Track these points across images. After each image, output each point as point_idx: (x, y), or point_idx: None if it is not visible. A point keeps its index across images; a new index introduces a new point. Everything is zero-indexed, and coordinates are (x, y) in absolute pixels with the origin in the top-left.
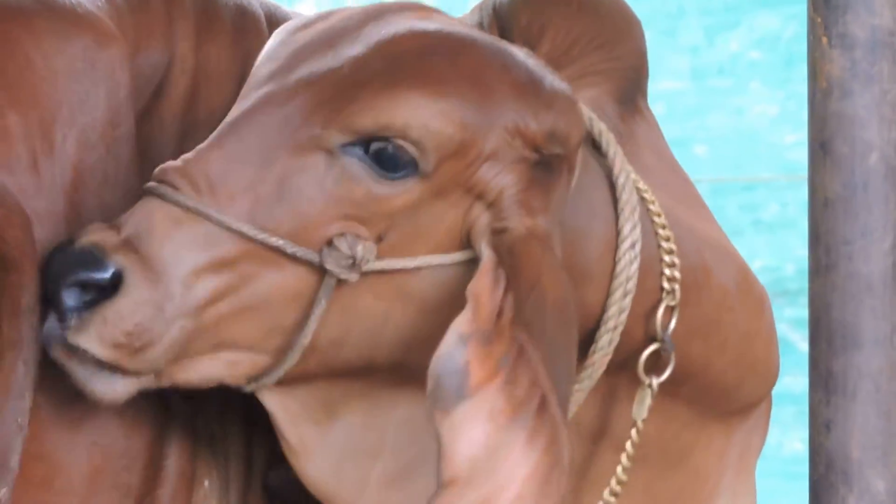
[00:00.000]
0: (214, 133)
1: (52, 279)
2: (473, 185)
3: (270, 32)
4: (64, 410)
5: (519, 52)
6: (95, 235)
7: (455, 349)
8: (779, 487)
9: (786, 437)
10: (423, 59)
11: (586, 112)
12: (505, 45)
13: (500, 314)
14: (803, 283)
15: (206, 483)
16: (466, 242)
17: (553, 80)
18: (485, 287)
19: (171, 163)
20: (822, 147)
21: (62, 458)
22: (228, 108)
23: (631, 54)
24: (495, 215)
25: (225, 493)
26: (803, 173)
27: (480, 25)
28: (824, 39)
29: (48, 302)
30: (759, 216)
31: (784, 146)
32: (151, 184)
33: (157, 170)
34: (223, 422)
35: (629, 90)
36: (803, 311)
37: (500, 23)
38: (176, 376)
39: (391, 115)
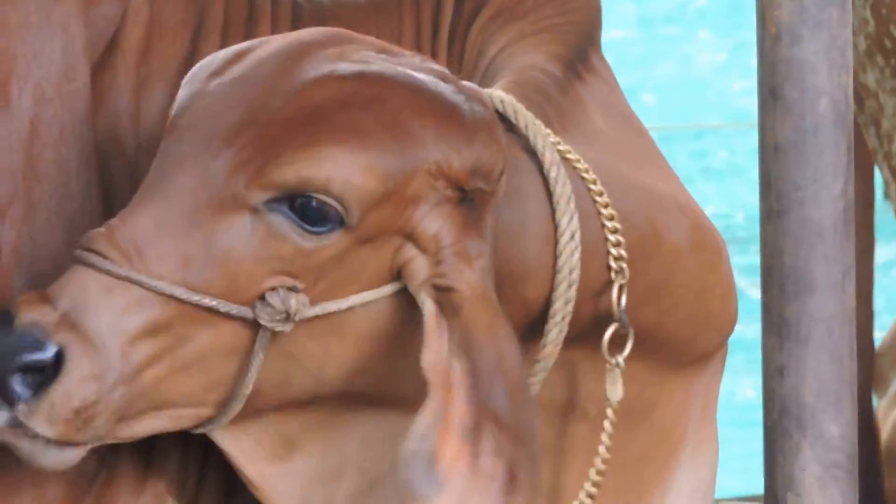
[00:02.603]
0: (137, 195)
1: None
2: (400, 227)
3: None
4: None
5: (437, 82)
6: (33, 313)
7: (423, 438)
8: (732, 435)
9: (738, 384)
10: (342, 111)
11: (515, 108)
12: (422, 77)
13: (456, 388)
14: (753, 231)
15: (166, 437)
16: (394, 275)
17: (473, 106)
18: (436, 355)
19: (97, 230)
20: (771, 93)
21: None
22: (181, 62)
23: (585, 6)
24: (434, 269)
25: (185, 443)
26: (752, 120)
27: None
28: None
29: None
30: (708, 164)
31: (732, 93)
32: (81, 252)
33: (84, 237)
34: (172, 449)
35: (581, 46)
36: (754, 258)
37: None
38: (120, 435)
39: (313, 171)
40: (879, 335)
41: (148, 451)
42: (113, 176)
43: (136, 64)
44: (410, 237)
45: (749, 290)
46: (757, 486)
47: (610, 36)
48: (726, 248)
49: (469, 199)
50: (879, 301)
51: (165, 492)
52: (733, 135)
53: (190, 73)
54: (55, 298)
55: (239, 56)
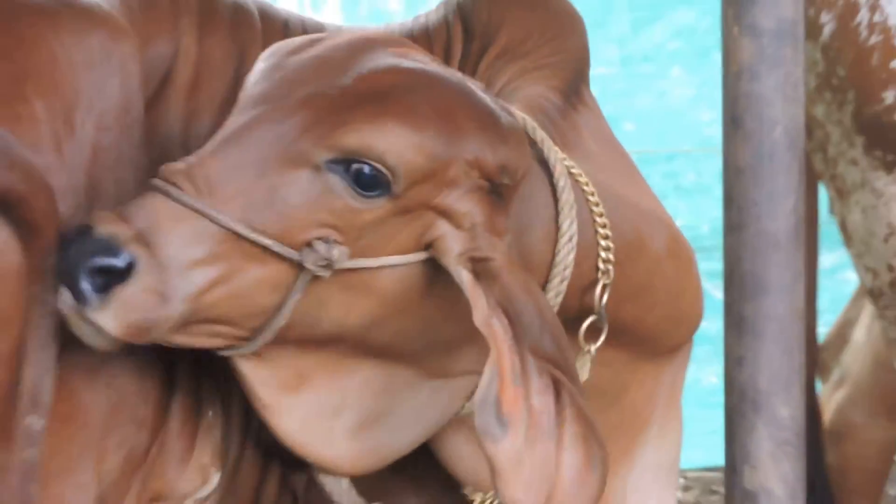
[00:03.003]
0: (215, 140)
1: (72, 262)
2: (435, 205)
3: (264, 28)
4: (83, 357)
5: (480, 91)
6: (111, 226)
7: (488, 388)
8: (697, 416)
9: (702, 372)
10: (405, 95)
11: (531, 125)
12: (469, 83)
13: (500, 341)
14: (717, 241)
15: (210, 413)
16: (422, 247)
17: (507, 117)
18: (484, 315)
19: (175, 164)
20: (734, 122)
21: (83, 398)
22: (226, 95)
23: (576, 48)
24: (470, 243)
25: (227, 422)
26: (717, 146)
27: (445, 20)
28: (735, 29)
29: (63, 279)
30: (679, 183)
31: (701, 123)
32: (160, 182)
33: (162, 168)
34: (224, 365)
35: (574, 81)
36: (717, 265)
37: (463, 18)
38: (170, 340)
39: (374, 140)
40: (824, 330)
41: (192, 429)
42: None
43: (186, 97)
44: (444, 214)
45: (713, 291)
46: (718, 459)
47: (596, 72)
48: (695, 257)
49: (497, 190)
50: (824, 300)
51: (209, 463)
52: (701, 158)
53: (268, 51)
54: (130, 218)
55: (314, 42)
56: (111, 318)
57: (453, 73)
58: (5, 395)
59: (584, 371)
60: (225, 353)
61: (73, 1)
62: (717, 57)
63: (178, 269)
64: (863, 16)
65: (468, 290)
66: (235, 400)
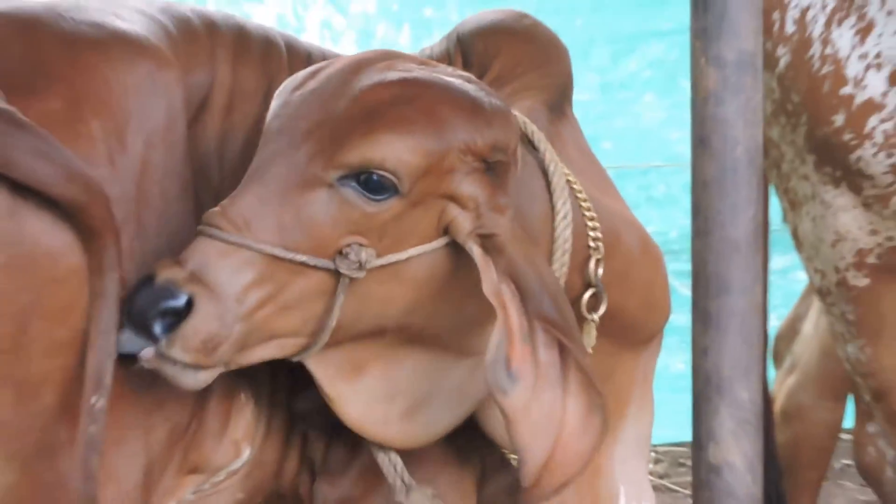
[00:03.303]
0: (243, 181)
1: (141, 310)
2: (442, 192)
3: (289, 58)
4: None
5: (463, 83)
6: (168, 272)
7: (498, 347)
8: (666, 399)
9: (671, 360)
10: (391, 107)
11: (523, 119)
12: (451, 79)
13: (508, 306)
14: (685, 245)
15: (242, 396)
16: (442, 232)
17: (491, 100)
18: (493, 284)
19: (214, 209)
20: (701, 142)
21: (133, 380)
22: (256, 118)
23: (560, 73)
24: (476, 221)
25: (256, 404)
26: (685, 162)
27: (447, 51)
28: (703, 60)
29: (136, 327)
30: (651, 194)
31: (670, 142)
32: (203, 227)
33: (204, 215)
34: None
35: (559, 100)
36: (685, 266)
37: (463, 49)
38: (241, 361)
39: (371, 152)
40: (776, 324)
41: (227, 409)
42: (202, 201)
43: (222, 119)
44: (452, 198)
45: (681, 289)
46: (686, 436)
47: (579, 98)
48: (663, 257)
49: (493, 168)
50: (777, 298)
51: (241, 439)
52: (670, 173)
53: (280, 89)
54: (184, 262)
55: (314, 74)
56: (180, 350)
57: (434, 73)
58: (71, 376)
59: (590, 337)
60: (295, 359)
61: (124, 34)
62: (685, 84)
63: (230, 295)
64: (815, 49)
65: (479, 263)
66: (264, 385)
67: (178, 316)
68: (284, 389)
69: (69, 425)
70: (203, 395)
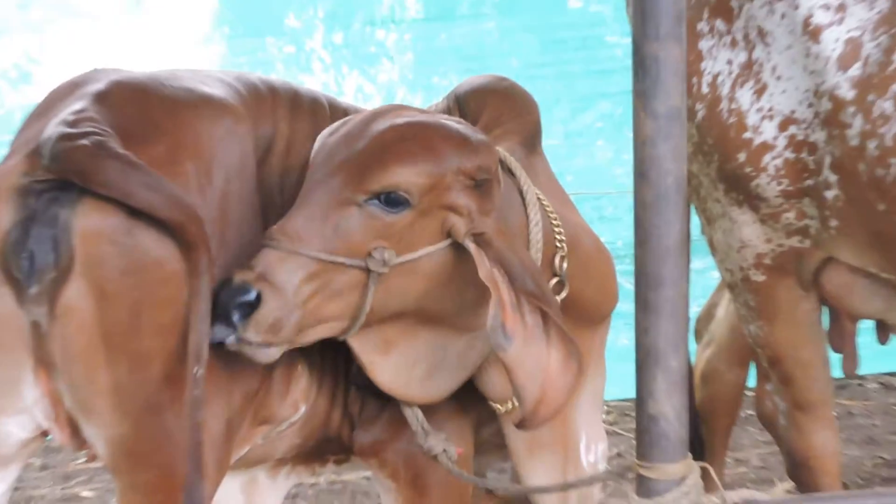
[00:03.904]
0: (294, 204)
1: (223, 304)
2: (443, 204)
3: (331, 113)
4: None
5: (454, 124)
6: (242, 275)
7: (495, 316)
8: (615, 366)
9: (619, 337)
10: (400, 144)
11: (504, 153)
12: (445, 121)
13: (500, 285)
14: (629, 251)
15: (299, 367)
16: (445, 236)
17: (476, 135)
18: (487, 270)
19: (273, 227)
20: (641, 175)
21: (217, 357)
22: (307, 159)
23: (532, 121)
24: (470, 225)
25: (310, 373)
26: (629, 190)
27: (448, 107)
28: (641, 114)
29: (219, 317)
30: (603, 214)
31: (617, 175)
32: (265, 240)
33: (266, 231)
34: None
35: (531, 140)
36: (629, 267)
37: (459, 104)
38: (300, 341)
39: (388, 179)
40: (697, 310)
41: (288, 378)
42: (269, 221)
43: (282, 160)
44: (450, 209)
45: (626, 285)
46: (630, 394)
47: (547, 143)
48: (613, 259)
49: (480, 185)
50: (697, 290)
51: (299, 399)
52: (618, 198)
53: (320, 135)
54: (254, 266)
55: (344, 123)
56: (253, 332)
57: (432, 117)
58: (173, 353)
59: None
60: (340, 339)
61: (210, 97)
62: (628, 133)
63: (289, 290)
64: (724, 105)
65: (474, 255)
66: (315, 359)
67: (251, 307)
68: (331, 362)
69: (172, 390)
70: (269, 368)
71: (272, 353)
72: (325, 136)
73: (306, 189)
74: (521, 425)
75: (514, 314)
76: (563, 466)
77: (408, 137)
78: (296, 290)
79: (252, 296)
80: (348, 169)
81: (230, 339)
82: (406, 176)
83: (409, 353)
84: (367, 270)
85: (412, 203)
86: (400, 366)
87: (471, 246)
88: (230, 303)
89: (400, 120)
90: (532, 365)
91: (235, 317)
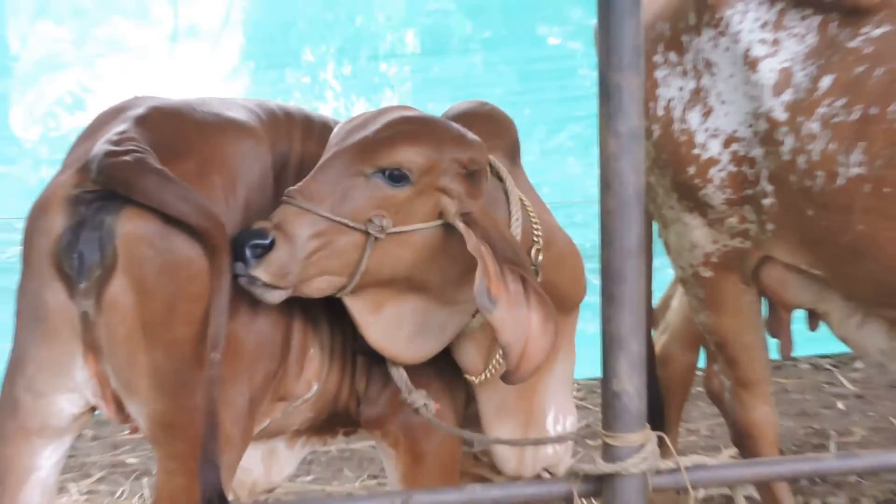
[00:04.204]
0: (312, 171)
1: (240, 243)
2: (438, 187)
3: None
4: (241, 320)
5: (454, 124)
6: (261, 223)
7: (481, 283)
8: (583, 352)
9: (587, 325)
10: (408, 128)
11: (493, 160)
12: (445, 120)
13: (486, 257)
14: (596, 252)
15: (312, 350)
16: (437, 216)
17: (470, 134)
18: (475, 244)
19: (292, 187)
20: (606, 186)
21: (241, 341)
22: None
23: (511, 139)
24: (460, 206)
25: (321, 356)
26: (596, 199)
27: None
28: (606, 133)
29: (237, 253)
30: (574, 220)
31: (586, 186)
32: (284, 198)
33: (286, 191)
34: (320, 314)
35: (512, 154)
36: (597, 265)
37: None
38: (302, 290)
39: (394, 157)
40: (655, 302)
41: (302, 360)
42: None
43: (295, 175)
44: (444, 191)
45: (594, 280)
46: (597, 373)
47: (526, 160)
48: (581, 256)
49: (471, 174)
50: (655, 284)
51: (312, 379)
52: (587, 206)
53: (338, 125)
54: (272, 218)
55: (359, 116)
56: (263, 271)
57: (435, 116)
58: (200, 339)
59: None
60: (337, 295)
61: (234, 120)
62: (595, 150)
63: (298, 241)
64: (676, 125)
65: (463, 232)
66: (325, 346)
67: (265, 249)
68: (339, 347)
69: (199, 370)
70: (286, 352)
71: (277, 295)
72: (343, 124)
73: (324, 160)
74: (506, 378)
75: (498, 281)
76: (524, 431)
77: (415, 125)
78: (304, 241)
79: (267, 240)
80: (361, 145)
81: (239, 268)
82: (409, 155)
83: (397, 316)
84: (367, 234)
85: (412, 180)
86: (388, 325)
87: (460, 224)
88: (246, 241)
89: (408, 113)
90: (515, 325)
91: (248, 254)
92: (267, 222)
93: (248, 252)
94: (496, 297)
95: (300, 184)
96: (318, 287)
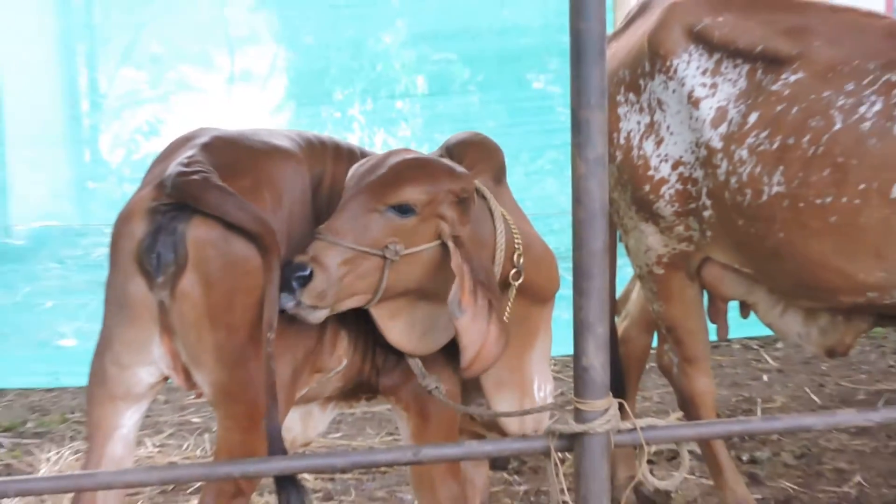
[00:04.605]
0: (335, 211)
1: (287, 277)
2: (437, 214)
3: (363, 157)
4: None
5: (444, 160)
6: (300, 258)
7: (455, 294)
8: (559, 334)
9: (561, 312)
10: (409, 171)
11: (479, 184)
12: (439, 159)
13: (465, 274)
14: (569, 254)
15: (343, 332)
16: (436, 238)
17: (459, 168)
18: (458, 262)
19: (321, 226)
20: (577, 200)
21: (287, 327)
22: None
23: (499, 163)
24: (452, 230)
25: (350, 337)
26: (569, 211)
27: (442, 153)
28: (577, 158)
29: (284, 287)
30: (552, 228)
31: (561, 202)
32: (316, 234)
33: (316, 228)
34: (349, 315)
35: (498, 176)
36: (569, 264)
37: (449, 152)
38: (338, 308)
39: (401, 196)
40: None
41: (334, 340)
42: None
43: (328, 191)
44: (441, 217)
45: (567, 276)
46: (570, 351)
47: (511, 179)
48: (556, 258)
49: (462, 202)
50: (619, 279)
51: (342, 355)
52: (562, 217)
53: (352, 168)
54: (308, 253)
55: (369, 160)
56: (307, 297)
57: (431, 156)
58: (255, 323)
59: (512, 294)
60: (364, 307)
61: (280, 147)
62: (568, 172)
63: (331, 269)
64: (634, 152)
65: (451, 250)
66: (352, 328)
67: (306, 279)
68: (363, 331)
69: (255, 348)
70: (322, 335)
71: (319, 315)
72: (356, 168)
73: (344, 201)
74: (461, 373)
75: (470, 296)
76: (521, 400)
77: (414, 167)
78: (336, 269)
79: (307, 271)
80: (373, 187)
81: (290, 304)
82: (413, 193)
83: (411, 319)
84: (384, 258)
85: (416, 212)
86: (404, 327)
87: (450, 243)
88: (291, 275)
89: (408, 155)
90: (475, 333)
91: (295, 285)
92: (304, 256)
93: (294, 283)
94: (465, 308)
95: (327, 222)
96: (350, 304)
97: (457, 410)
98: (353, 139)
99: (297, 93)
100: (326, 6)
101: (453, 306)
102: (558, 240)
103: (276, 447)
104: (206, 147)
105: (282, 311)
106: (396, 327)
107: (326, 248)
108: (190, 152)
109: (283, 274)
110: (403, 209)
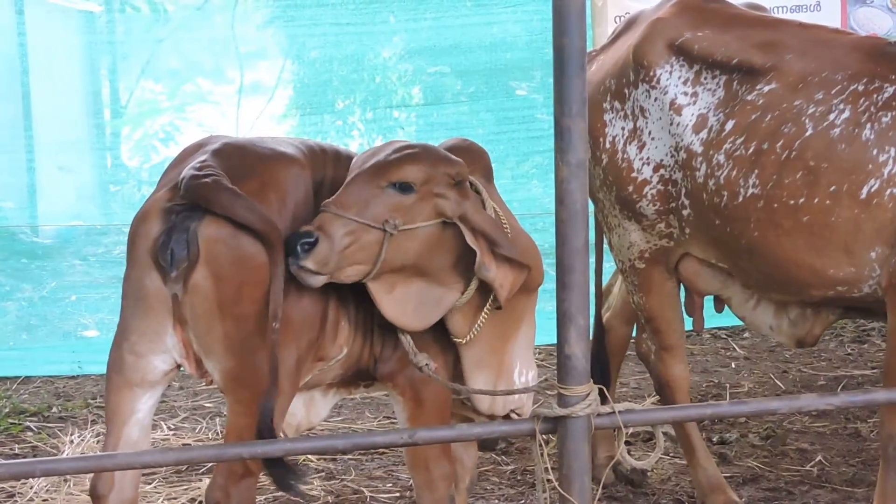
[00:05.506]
0: (342, 186)
1: (292, 243)
2: (435, 193)
3: None
4: (291, 302)
5: (443, 150)
6: (307, 227)
7: (480, 259)
8: (543, 324)
9: (545, 304)
10: (411, 152)
11: (473, 179)
12: (441, 149)
13: (480, 243)
14: (553, 251)
15: (342, 323)
16: (435, 216)
17: (453, 156)
18: (472, 239)
19: (328, 199)
20: (560, 201)
21: (291, 316)
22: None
23: (486, 165)
24: (455, 209)
25: (349, 327)
26: (553, 211)
27: None
28: (560, 162)
29: (290, 251)
30: (536, 227)
31: (545, 203)
32: (322, 206)
33: (323, 202)
34: (348, 297)
35: (487, 176)
36: (553, 260)
37: None
38: (338, 276)
39: (401, 174)
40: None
41: (335, 330)
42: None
43: (329, 194)
44: (440, 196)
45: (550, 271)
46: (554, 340)
47: (498, 182)
48: (540, 252)
49: (458, 183)
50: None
51: (342, 344)
52: (546, 217)
53: (356, 156)
54: (314, 223)
55: (372, 148)
56: (310, 262)
57: (430, 145)
58: (262, 314)
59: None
60: (363, 281)
61: (285, 153)
62: (552, 176)
63: (335, 238)
64: (619, 155)
65: (464, 230)
66: (352, 319)
67: (311, 245)
68: (363, 322)
69: (261, 338)
70: (324, 325)
71: (318, 280)
72: (361, 154)
73: (349, 178)
74: (496, 303)
75: (491, 256)
76: (496, 381)
77: (414, 150)
78: (339, 239)
79: (312, 238)
80: (376, 166)
81: (294, 267)
82: (412, 171)
83: (405, 294)
84: (384, 231)
85: (415, 189)
86: (399, 302)
87: (462, 225)
88: (298, 241)
89: (411, 142)
90: (502, 278)
91: (299, 249)
92: (310, 226)
93: (298, 248)
94: (489, 266)
95: (333, 197)
96: (349, 274)
97: (444, 386)
98: (353, 146)
99: (302, 103)
100: (330, 24)
101: (481, 269)
102: (542, 238)
103: (265, 425)
104: (217, 153)
105: (284, 299)
106: (391, 301)
107: (331, 220)
108: (202, 157)
109: (289, 240)
110: (403, 186)
